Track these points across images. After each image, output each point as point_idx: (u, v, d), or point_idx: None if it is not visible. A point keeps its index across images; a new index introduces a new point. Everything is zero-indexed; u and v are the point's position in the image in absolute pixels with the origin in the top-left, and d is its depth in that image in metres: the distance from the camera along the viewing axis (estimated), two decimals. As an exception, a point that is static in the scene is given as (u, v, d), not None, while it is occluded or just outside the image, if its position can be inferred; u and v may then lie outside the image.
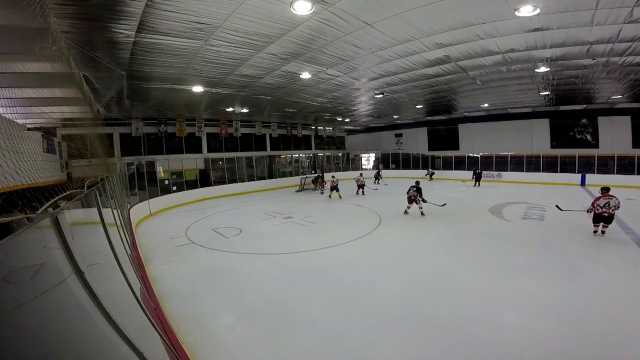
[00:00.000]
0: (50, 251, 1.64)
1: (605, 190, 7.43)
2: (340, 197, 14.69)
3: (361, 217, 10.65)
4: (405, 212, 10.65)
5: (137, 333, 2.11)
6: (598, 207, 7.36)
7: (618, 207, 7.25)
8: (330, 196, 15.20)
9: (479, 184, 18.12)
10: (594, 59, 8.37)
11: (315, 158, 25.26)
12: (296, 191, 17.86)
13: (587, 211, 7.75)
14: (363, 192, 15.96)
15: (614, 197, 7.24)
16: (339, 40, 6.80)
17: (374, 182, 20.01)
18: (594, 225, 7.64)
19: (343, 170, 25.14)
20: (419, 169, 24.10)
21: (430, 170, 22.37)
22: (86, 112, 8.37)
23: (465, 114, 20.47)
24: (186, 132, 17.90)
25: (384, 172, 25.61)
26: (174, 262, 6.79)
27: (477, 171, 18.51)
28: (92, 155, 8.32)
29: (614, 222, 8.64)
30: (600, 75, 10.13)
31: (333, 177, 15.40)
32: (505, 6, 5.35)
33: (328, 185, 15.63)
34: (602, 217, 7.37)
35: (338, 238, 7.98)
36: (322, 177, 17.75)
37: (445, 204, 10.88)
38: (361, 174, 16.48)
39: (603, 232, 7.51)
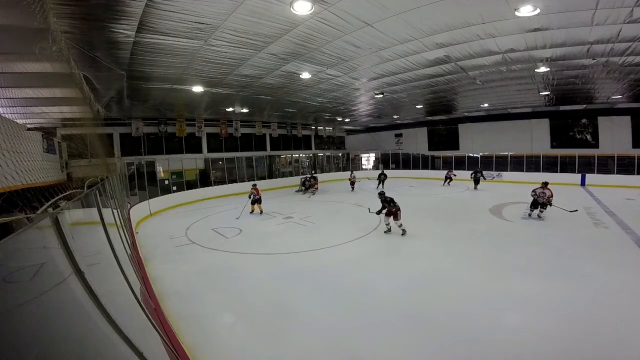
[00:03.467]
0: (50, 251, 1.64)
1: (544, 184, 9.54)
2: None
3: (361, 217, 10.63)
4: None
5: (137, 333, 2.11)
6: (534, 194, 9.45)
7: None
8: (313, 193, 16.73)
9: (475, 187, 16.52)
10: (594, 59, 8.37)
11: (315, 158, 25.25)
12: (296, 191, 17.86)
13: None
14: (353, 188, 17.72)
15: (548, 188, 9.35)
16: (339, 40, 6.80)
17: (378, 187, 16.84)
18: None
19: (343, 171, 25.13)
20: (419, 168, 24.00)
21: (451, 173, 18.34)
22: (86, 112, 8.36)
23: (465, 114, 20.46)
24: (186, 132, 17.90)
25: (386, 173, 25.30)
26: (174, 262, 6.79)
27: (478, 173, 16.79)
28: (92, 155, 8.30)
29: (613, 222, 8.73)
30: (600, 75, 10.13)
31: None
32: (505, 6, 5.35)
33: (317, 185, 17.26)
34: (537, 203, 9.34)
35: (338, 238, 7.98)
36: (316, 178, 17.57)
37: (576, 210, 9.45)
38: (351, 172, 18.79)
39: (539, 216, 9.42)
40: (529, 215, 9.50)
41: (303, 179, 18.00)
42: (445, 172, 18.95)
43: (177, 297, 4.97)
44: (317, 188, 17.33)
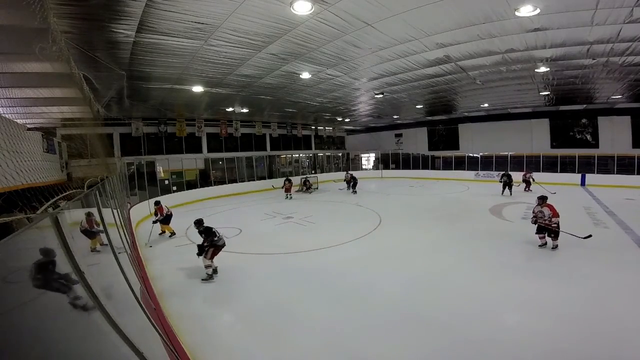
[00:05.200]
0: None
1: (542, 199, 6.89)
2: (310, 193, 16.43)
3: (361, 217, 10.64)
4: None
5: (137, 333, 2.11)
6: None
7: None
8: (291, 197, 15.41)
9: (510, 192, 13.86)
10: (594, 59, 8.37)
11: (315, 158, 25.25)
12: (296, 191, 17.86)
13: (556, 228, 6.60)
14: (350, 187, 17.23)
15: (548, 205, 6.62)
16: (339, 40, 6.79)
17: (349, 190, 16.64)
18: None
19: (343, 170, 25.13)
20: (419, 168, 23.95)
21: (530, 175, 14.60)
22: (86, 112, 8.36)
23: (465, 114, 20.46)
24: (186, 132, 17.90)
25: (385, 172, 25.51)
26: (174, 262, 6.79)
27: (504, 177, 14.13)
28: (92, 155, 8.31)
29: (613, 222, 8.66)
30: (600, 75, 10.13)
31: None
32: (506, 6, 5.34)
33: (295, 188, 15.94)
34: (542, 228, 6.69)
35: (338, 238, 7.98)
36: (291, 181, 15.81)
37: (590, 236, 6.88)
38: (347, 172, 18.62)
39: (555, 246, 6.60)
40: (540, 245, 6.77)
41: (304, 179, 18.02)
42: (523, 174, 14.89)
43: (177, 297, 4.97)
44: (312, 189, 17.42)
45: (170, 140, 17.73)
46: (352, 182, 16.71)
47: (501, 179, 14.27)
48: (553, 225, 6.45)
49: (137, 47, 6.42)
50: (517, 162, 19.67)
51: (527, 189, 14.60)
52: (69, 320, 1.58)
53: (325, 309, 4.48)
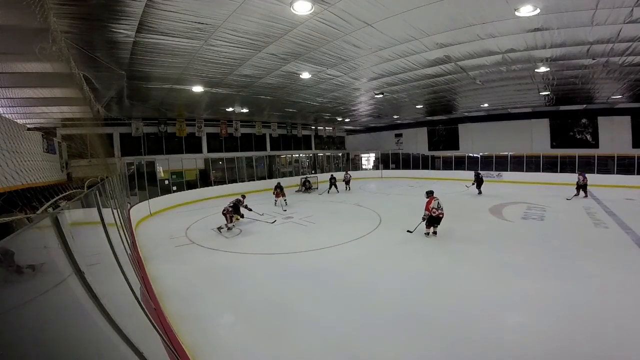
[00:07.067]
0: (50, 251, 1.64)
1: (431, 193, 7.89)
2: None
3: (361, 217, 10.64)
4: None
5: (137, 333, 2.11)
6: (434, 210, 7.55)
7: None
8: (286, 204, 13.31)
9: (480, 191, 14.66)
10: (594, 59, 8.37)
11: (315, 158, 25.24)
12: (296, 191, 17.86)
13: (423, 218, 7.75)
14: (349, 187, 17.79)
15: (428, 199, 7.74)
16: (339, 40, 6.80)
17: (332, 190, 16.78)
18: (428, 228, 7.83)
19: (343, 170, 25.14)
20: (418, 168, 23.94)
21: (582, 176, 12.84)
22: (86, 112, 8.36)
23: (465, 113, 20.45)
24: (186, 132, 17.90)
25: (385, 172, 25.51)
26: (174, 262, 6.79)
27: (479, 174, 15.09)
28: (92, 155, 8.31)
29: (613, 222, 8.67)
30: (600, 75, 10.12)
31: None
32: (505, 6, 5.34)
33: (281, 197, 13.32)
34: (436, 219, 7.65)
35: (338, 238, 7.98)
36: (282, 187, 13.57)
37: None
38: (346, 172, 19.00)
39: (435, 233, 7.79)
40: (426, 233, 7.85)
41: (303, 179, 18.02)
42: (577, 175, 13.17)
43: (177, 297, 4.97)
44: (312, 189, 17.43)
45: (170, 140, 17.73)
46: (333, 181, 17.13)
47: (478, 177, 14.90)
48: (422, 215, 7.77)
49: (137, 47, 6.42)
50: (517, 162, 19.67)
51: (585, 195, 12.76)
52: (69, 320, 1.58)
53: (325, 309, 4.48)
